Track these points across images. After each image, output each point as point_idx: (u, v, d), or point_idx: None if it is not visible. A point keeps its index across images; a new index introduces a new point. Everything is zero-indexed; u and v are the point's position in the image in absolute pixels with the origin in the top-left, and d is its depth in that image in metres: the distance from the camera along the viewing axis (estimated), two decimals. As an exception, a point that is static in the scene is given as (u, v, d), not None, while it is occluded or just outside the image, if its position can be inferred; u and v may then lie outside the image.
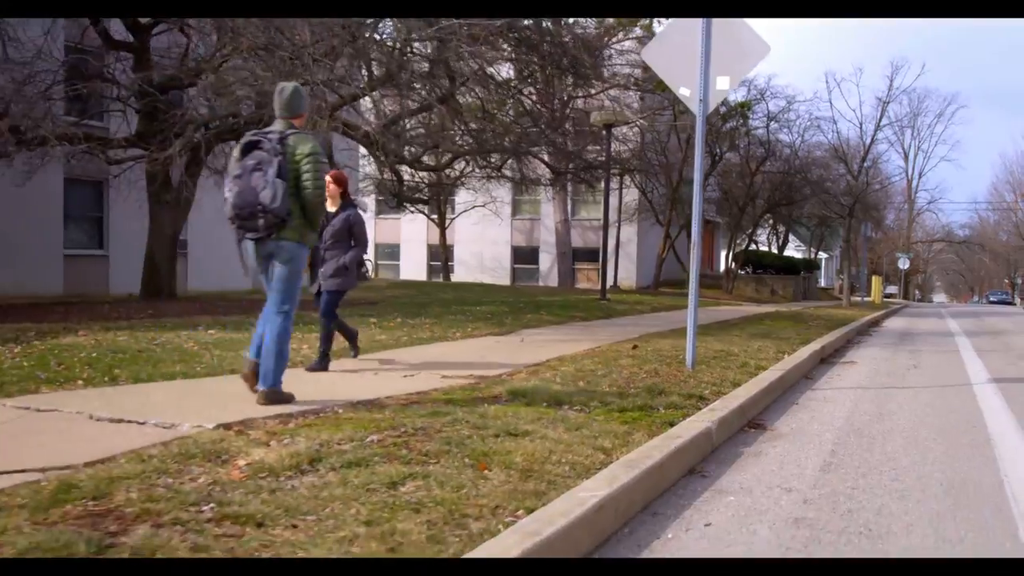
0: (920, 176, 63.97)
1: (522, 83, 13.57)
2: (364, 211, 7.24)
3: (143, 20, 13.48)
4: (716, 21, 6.70)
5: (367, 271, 7.36)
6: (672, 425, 4.62)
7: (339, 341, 7.09)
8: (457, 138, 12.85)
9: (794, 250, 50.94)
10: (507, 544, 2.58)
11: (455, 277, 32.60)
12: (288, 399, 4.92)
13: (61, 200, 17.34)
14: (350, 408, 4.84)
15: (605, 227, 16.12)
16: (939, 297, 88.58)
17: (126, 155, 13.70)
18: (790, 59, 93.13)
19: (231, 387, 5.48)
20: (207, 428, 4.21)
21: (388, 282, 27.49)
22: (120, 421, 4.45)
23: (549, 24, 12.27)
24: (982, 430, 5.37)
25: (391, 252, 36.18)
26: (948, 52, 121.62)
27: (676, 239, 29.25)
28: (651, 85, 21.72)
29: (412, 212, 31.62)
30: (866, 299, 35.11)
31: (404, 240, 35.83)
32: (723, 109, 24.39)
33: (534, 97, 16.55)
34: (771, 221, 38.46)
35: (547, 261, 33.16)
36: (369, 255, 32.61)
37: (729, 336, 10.20)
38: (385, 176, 22.22)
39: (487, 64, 11.61)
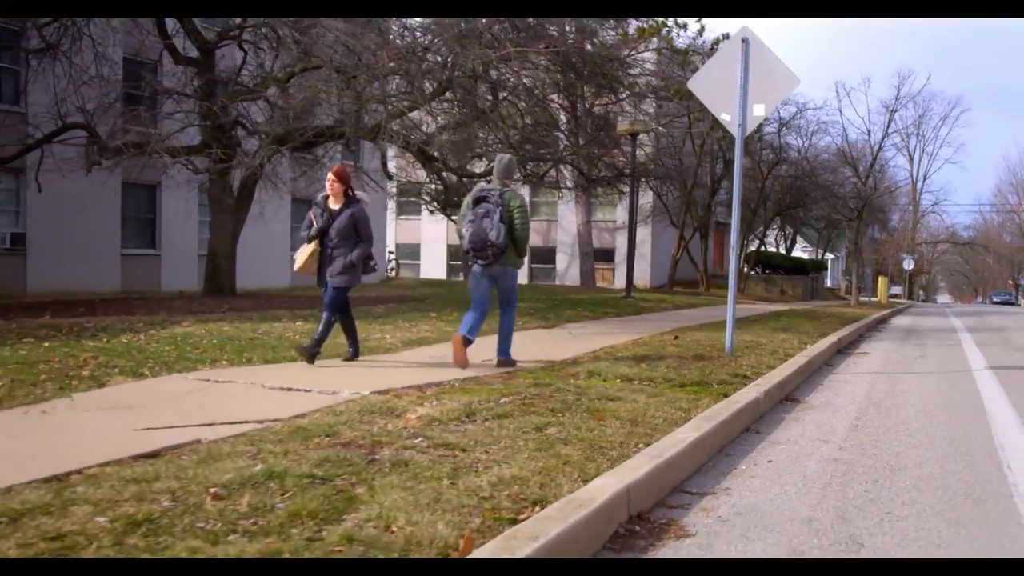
0: (925, 178, 64.93)
1: (553, 92, 14.64)
2: (367, 206, 7.18)
3: (209, 37, 14.61)
4: (753, 56, 7.80)
5: (375, 265, 7.32)
6: (726, 396, 5.72)
7: (336, 336, 7.14)
8: (498, 147, 13.95)
9: (801, 251, 52.02)
10: (640, 462, 3.69)
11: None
12: (512, 363, 7.04)
13: (119, 203, 18.48)
14: (464, 381, 5.96)
15: (631, 229, 17.23)
16: (943, 298, 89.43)
17: (191, 164, 14.78)
18: (797, 61, 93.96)
19: (350, 367, 6.61)
20: (363, 394, 5.33)
21: (416, 281, 28.63)
22: (289, 390, 5.57)
23: (579, 37, 13.36)
24: (979, 403, 6.48)
25: (412, 252, 37.28)
26: (949, 52, 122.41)
27: (690, 241, 30.32)
28: (668, 93, 22.74)
29: (434, 213, 32.77)
30: (872, 299, 36.17)
31: (424, 240, 36.95)
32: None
33: (565, 107, 17.64)
34: (779, 223, 39.56)
35: (564, 261, 34.29)
36: (393, 252, 33.82)
37: (754, 330, 11.29)
38: (417, 178, 23.34)
39: (530, 83, 12.71)
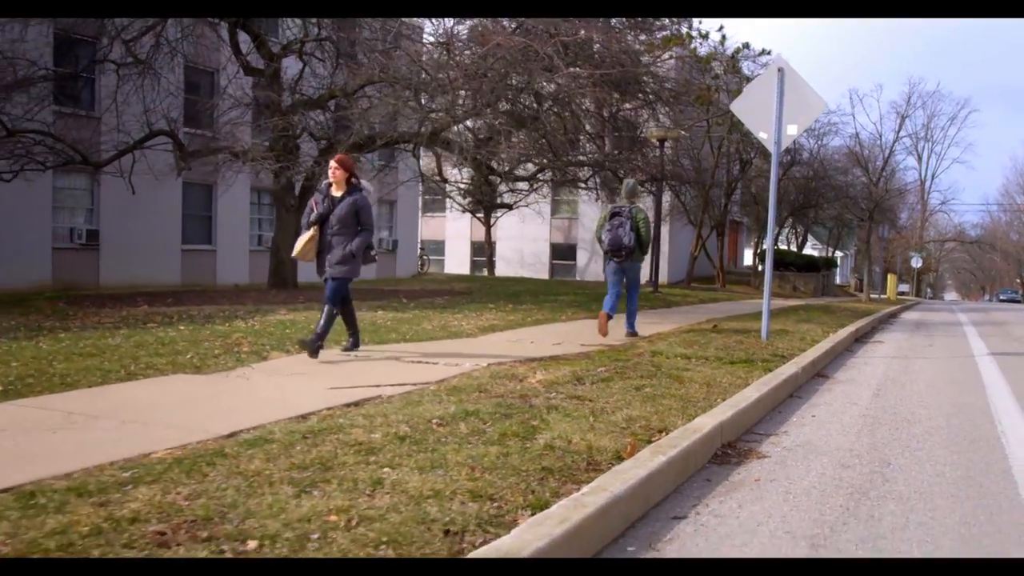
0: (933, 177, 66.10)
1: (593, 104, 15.92)
2: (370, 195, 7.16)
3: (274, 50, 15.92)
4: (787, 83, 9.07)
5: (375, 255, 7.35)
6: (770, 371, 7.01)
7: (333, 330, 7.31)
8: (543, 153, 15.23)
9: (811, 248, 53.13)
10: (723, 409, 4.98)
11: (497, 272, 35.03)
12: (636, 335, 9.28)
13: (180, 201, 19.84)
14: (555, 359, 7.27)
15: (658, 228, 18.53)
16: (950, 295, 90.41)
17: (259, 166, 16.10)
18: (803, 58, 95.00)
19: (451, 344, 7.94)
20: (482, 365, 6.64)
21: (445, 276, 29.93)
22: (419, 362, 6.89)
23: (618, 51, 14.62)
24: (979, 380, 7.76)
25: (436, 248, 38.60)
26: (955, 49, 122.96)
27: (707, 239, 31.58)
28: (690, 99, 23.93)
29: (460, 211, 34.10)
30: (882, 296, 37.40)
31: (449, 237, 38.28)
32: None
33: (594, 112, 18.87)
34: (791, 221, 40.74)
35: (584, 257, 35.59)
36: (423, 248, 35.16)
37: (780, 321, 12.57)
38: (452, 179, 24.62)
39: (573, 94, 14.00)
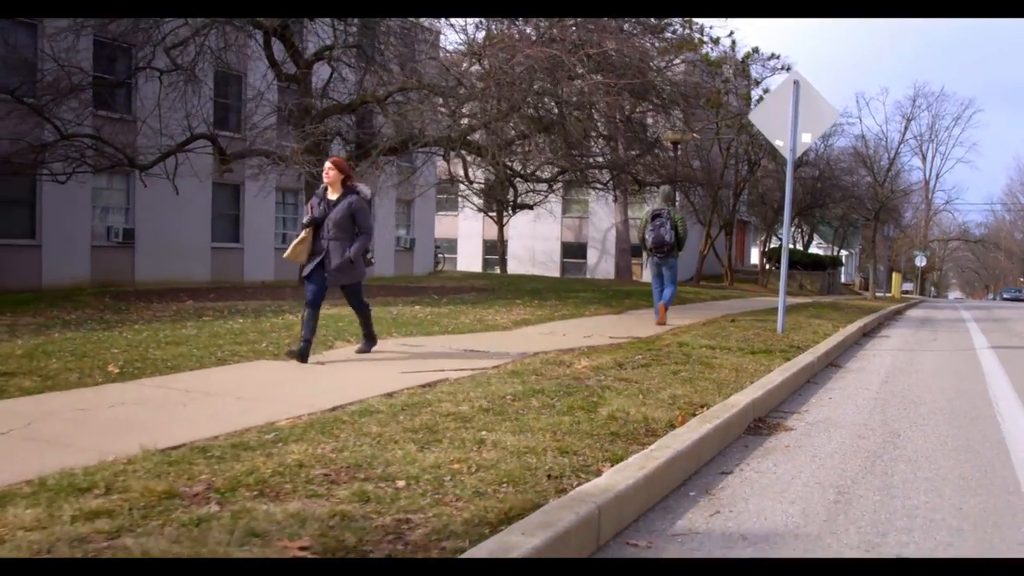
0: (937, 177, 66.69)
1: (611, 110, 16.64)
2: (367, 197, 6.93)
3: (306, 56, 16.64)
4: (802, 94, 9.76)
5: (373, 258, 7.08)
6: (789, 359, 7.71)
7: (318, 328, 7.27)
8: (564, 156, 15.94)
9: (816, 247, 53.75)
10: (753, 390, 5.69)
11: (509, 270, 35.75)
12: (665, 323, 10.49)
13: (210, 201, 20.59)
14: (593, 349, 7.97)
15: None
16: (954, 294, 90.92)
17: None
18: (806, 57, 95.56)
19: (491, 335, 8.64)
20: (529, 353, 7.34)
21: (461, 273, 30.66)
22: (470, 351, 7.59)
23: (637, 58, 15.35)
24: (979, 370, 8.46)
25: (449, 247, 39.32)
26: (958, 47, 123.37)
27: (716, 238, 32.28)
28: (701, 102, 24.59)
29: (474, 210, 34.82)
30: (886, 294, 38.05)
31: (461, 235, 39.02)
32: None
33: (608, 114, 19.58)
34: (797, 220, 41.45)
35: (594, 256, 36.31)
36: (439, 246, 35.93)
37: (792, 317, 13.24)
38: (465, 179, 25.31)
39: (593, 100, 14.70)
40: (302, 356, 6.63)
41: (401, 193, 25.64)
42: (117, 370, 5.92)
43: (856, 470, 4.26)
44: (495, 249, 36.27)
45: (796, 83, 9.82)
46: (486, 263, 38.65)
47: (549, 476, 3.48)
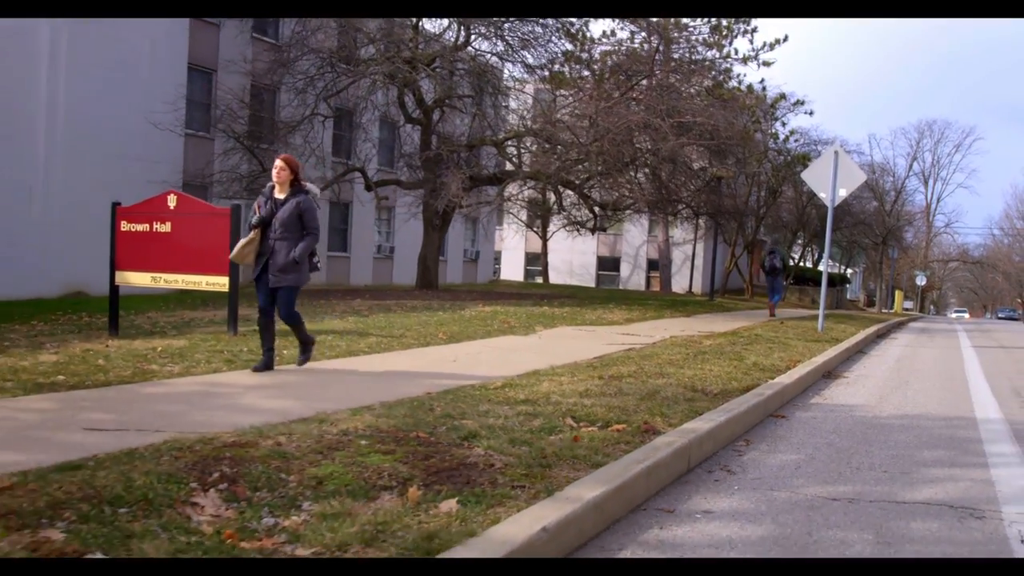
0: (938, 201, 70.83)
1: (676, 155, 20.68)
2: (317, 197, 6.79)
3: (428, 103, 20.68)
4: (840, 162, 13.73)
5: (319, 262, 6.86)
6: (833, 345, 11.63)
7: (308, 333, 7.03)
8: (652, 194, 19.93)
9: (823, 265, 57.70)
10: (822, 357, 9.64)
11: (549, 280, 39.75)
12: (775, 316, 15.54)
13: (327, 216, 24.61)
14: (658, 343, 11.91)
15: (715, 248, 23.13)
16: (955, 312, 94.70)
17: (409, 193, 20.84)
18: (811, 67, 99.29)
19: (619, 327, 12.64)
20: (666, 337, 11.27)
21: (514, 282, 34.60)
22: (626, 335, 11.51)
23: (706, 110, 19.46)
24: (961, 357, 12.42)
25: (495, 259, 43.39)
26: (964, 64, 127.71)
27: (739, 257, 36.30)
28: (735, 140, 28.51)
29: (516, 225, 38.80)
30: (890, 311, 42.06)
31: (505, 248, 43.04)
32: (788, 158, 31.44)
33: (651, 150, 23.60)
34: (807, 240, 45.50)
35: (627, 269, 40.35)
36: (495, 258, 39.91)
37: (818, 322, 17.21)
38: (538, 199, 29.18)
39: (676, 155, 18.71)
40: (267, 366, 6.61)
41: (468, 211, 29.69)
42: (445, 337, 9.86)
43: (886, 392, 8.21)
44: (535, 261, 40.27)
45: (836, 152, 13.82)
46: (527, 273, 42.64)
47: (748, 381, 7.43)
